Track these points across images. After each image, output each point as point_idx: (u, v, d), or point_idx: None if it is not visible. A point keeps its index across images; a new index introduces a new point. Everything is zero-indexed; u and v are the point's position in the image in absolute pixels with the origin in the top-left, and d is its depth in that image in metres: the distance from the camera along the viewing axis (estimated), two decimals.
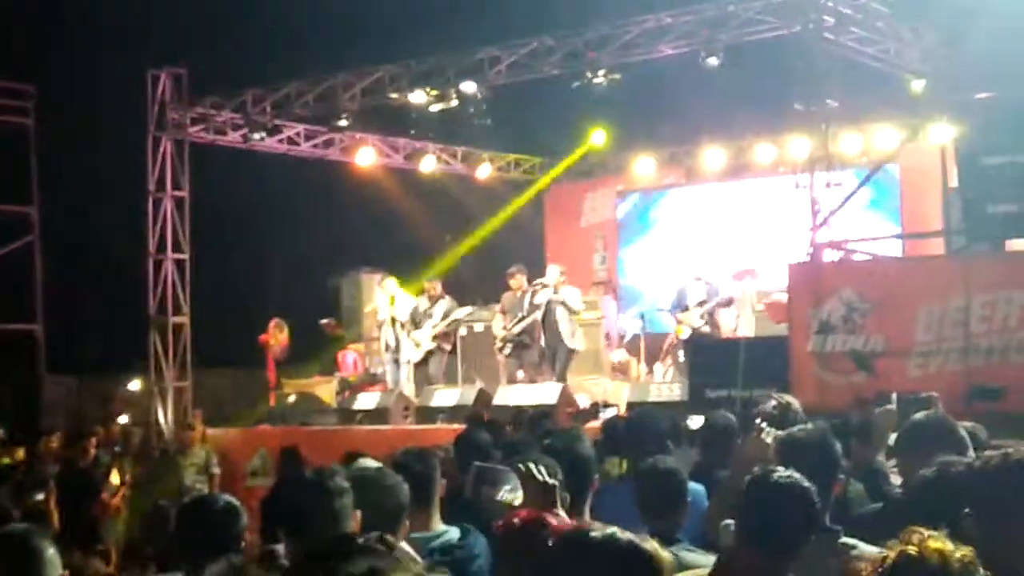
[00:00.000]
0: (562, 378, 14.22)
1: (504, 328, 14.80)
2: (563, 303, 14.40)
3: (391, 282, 15.78)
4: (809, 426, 4.96)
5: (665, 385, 13.79)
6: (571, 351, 14.48)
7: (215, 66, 17.87)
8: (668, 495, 4.80)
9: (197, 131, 17.70)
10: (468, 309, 15.52)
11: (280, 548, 4.32)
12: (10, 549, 3.70)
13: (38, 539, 3.73)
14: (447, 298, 15.38)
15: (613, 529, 2.71)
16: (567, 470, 4.94)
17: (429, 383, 15.05)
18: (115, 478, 11.14)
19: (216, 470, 13.00)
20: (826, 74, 13.03)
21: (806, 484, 3.90)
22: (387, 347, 15.70)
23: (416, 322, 15.24)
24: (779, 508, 3.78)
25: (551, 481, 3.91)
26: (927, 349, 10.86)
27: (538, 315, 14.47)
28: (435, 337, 15.20)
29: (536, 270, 15.22)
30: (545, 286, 14.51)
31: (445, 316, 15.23)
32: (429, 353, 15.24)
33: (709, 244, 18.05)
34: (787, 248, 14.43)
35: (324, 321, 17.28)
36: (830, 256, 12.57)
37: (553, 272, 14.74)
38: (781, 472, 3.95)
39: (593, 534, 2.70)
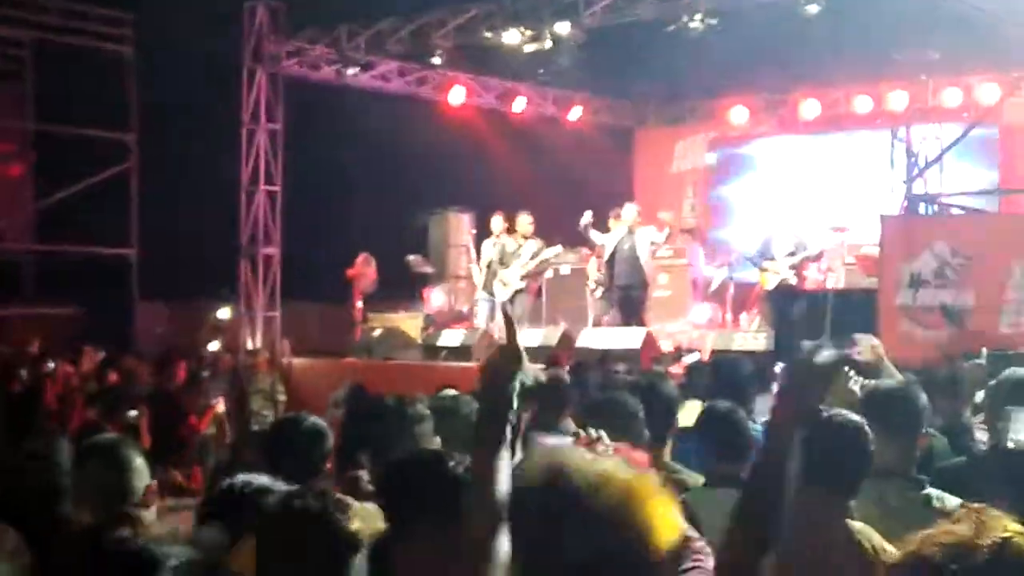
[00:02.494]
0: (639, 321, 14.19)
1: (598, 270, 14.82)
2: (638, 243, 14.32)
3: (496, 221, 15.74)
4: (898, 377, 4.93)
5: (750, 334, 13.72)
6: (647, 294, 14.44)
7: (312, 0, 17.93)
8: (732, 438, 4.78)
9: (292, 64, 17.84)
10: (558, 248, 15.50)
11: (363, 473, 4.41)
12: (102, 455, 3.86)
13: (128, 448, 3.88)
14: (536, 239, 15.40)
15: None
16: (649, 409, 4.97)
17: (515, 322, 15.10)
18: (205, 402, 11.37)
19: (282, 396, 13.21)
20: (928, 24, 12.75)
21: (860, 423, 3.90)
22: (475, 285, 15.82)
23: (504, 261, 15.30)
24: (834, 446, 3.79)
25: (595, 436, 3.92)
26: (1019, 306, 10.68)
27: (615, 255, 14.45)
28: (523, 277, 15.27)
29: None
30: (621, 227, 14.46)
31: (534, 256, 15.27)
32: (516, 293, 15.31)
33: (801, 195, 17.88)
34: (880, 201, 14.23)
35: (411, 257, 17.38)
36: (924, 210, 12.38)
37: (630, 211, 14.63)
38: (837, 412, 3.97)
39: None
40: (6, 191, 19.02)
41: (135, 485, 3.84)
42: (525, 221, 15.51)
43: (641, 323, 14.12)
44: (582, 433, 3.97)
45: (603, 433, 3.93)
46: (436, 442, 4.19)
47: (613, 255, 14.39)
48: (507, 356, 2.55)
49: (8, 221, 18.83)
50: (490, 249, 15.50)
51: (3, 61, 18.36)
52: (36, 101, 18.84)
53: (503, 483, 2.23)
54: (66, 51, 18.43)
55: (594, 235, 14.57)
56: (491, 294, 15.47)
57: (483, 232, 16.00)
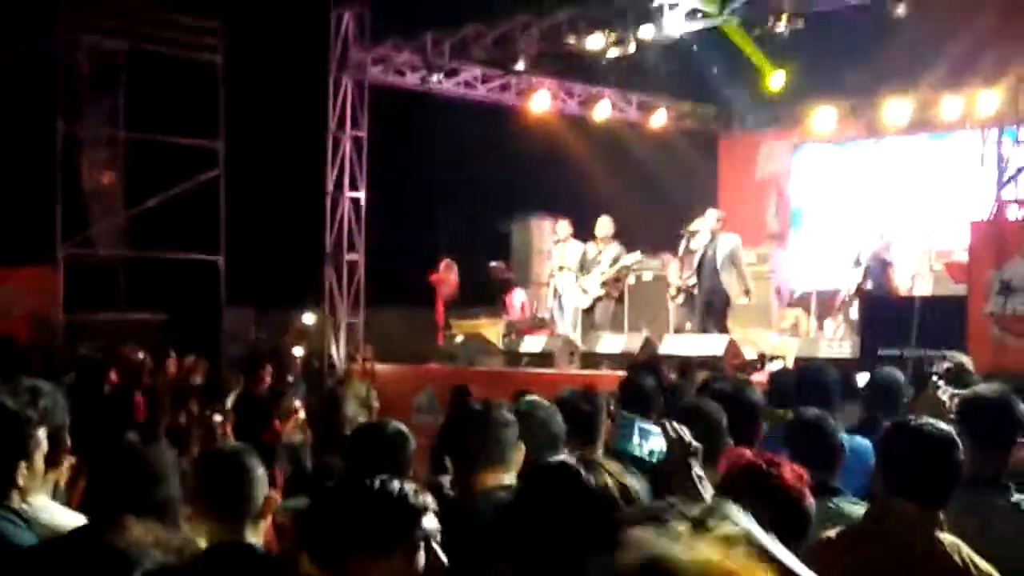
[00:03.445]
0: (721, 328, 14.10)
1: (680, 277, 14.76)
2: (719, 250, 14.24)
3: (564, 227, 15.83)
4: (993, 385, 4.85)
5: (835, 341, 13.56)
6: (729, 301, 14.33)
7: (396, 6, 18.08)
8: (819, 445, 4.71)
9: (377, 71, 18.00)
10: (637, 255, 15.48)
11: (446, 479, 4.43)
12: (226, 465, 3.89)
13: (250, 458, 3.91)
14: (616, 244, 15.38)
15: None
16: (734, 417, 4.94)
17: (595, 330, 15.11)
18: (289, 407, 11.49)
19: (375, 403, 13.31)
20: (1021, 26, 12.52)
21: (947, 431, 3.83)
22: (555, 292, 15.83)
23: (584, 268, 15.29)
24: (923, 457, 3.73)
25: (687, 439, 3.88)
26: None
27: (694, 262, 14.38)
28: (603, 284, 15.25)
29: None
30: (702, 232, 14.39)
31: (614, 262, 15.25)
32: (597, 300, 15.30)
33: (888, 200, 17.63)
34: (970, 206, 13.99)
35: (493, 264, 17.43)
36: (1015, 215, 12.14)
37: (711, 217, 14.54)
38: (925, 421, 3.90)
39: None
40: (99, 198, 19.41)
41: (256, 495, 3.86)
42: (605, 225, 15.46)
43: (723, 331, 14.02)
44: (667, 426, 3.99)
45: (687, 434, 3.93)
46: (522, 448, 4.19)
47: (700, 261, 14.34)
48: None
49: (101, 228, 19.22)
50: (568, 254, 15.50)
51: (98, 71, 18.72)
52: (128, 110, 19.20)
53: None
54: (157, 60, 18.77)
55: (689, 243, 14.53)
56: (560, 300, 15.53)
57: (566, 237, 15.98)
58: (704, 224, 14.48)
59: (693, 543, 1.79)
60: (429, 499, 2.94)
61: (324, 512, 2.89)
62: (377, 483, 2.90)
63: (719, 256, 14.23)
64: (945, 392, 5.40)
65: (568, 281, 15.49)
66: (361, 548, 2.78)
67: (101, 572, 2.38)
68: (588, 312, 15.40)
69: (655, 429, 4.06)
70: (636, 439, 5.14)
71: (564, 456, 3.20)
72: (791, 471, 3.53)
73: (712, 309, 14.30)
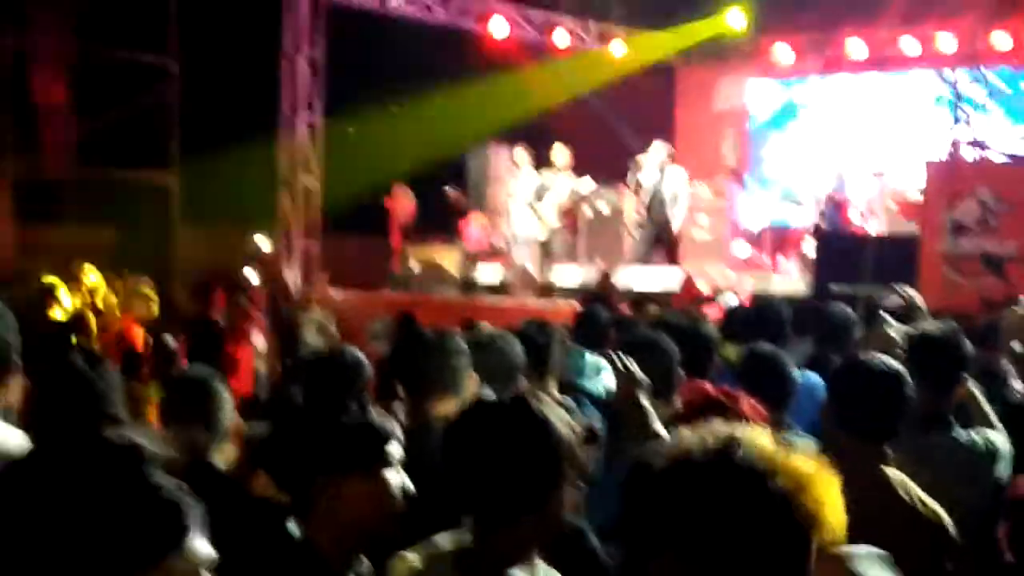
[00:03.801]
0: (671, 261, 14.23)
1: (635, 209, 14.82)
2: (667, 183, 14.31)
3: (520, 154, 15.69)
4: (941, 324, 4.92)
5: (789, 277, 13.67)
6: (677, 234, 14.43)
7: None
8: (772, 380, 4.73)
9: None
10: (591, 184, 15.40)
11: (398, 406, 4.44)
12: (193, 388, 3.99)
13: (217, 382, 4.00)
14: (572, 173, 15.32)
15: None
16: (688, 350, 4.98)
17: (552, 261, 15.11)
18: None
19: (334, 330, 13.26)
20: None
21: (896, 367, 3.88)
22: (512, 221, 15.78)
23: (539, 196, 15.25)
24: (871, 392, 3.77)
25: (636, 372, 3.91)
26: None
27: (644, 196, 14.44)
28: (559, 214, 15.23)
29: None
30: (649, 166, 14.44)
31: (571, 192, 15.22)
32: (553, 231, 15.28)
33: (844, 137, 17.70)
34: (925, 146, 14.08)
35: (448, 189, 17.34)
36: (970, 156, 12.24)
37: (659, 150, 14.55)
38: (873, 357, 3.94)
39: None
40: (48, 115, 19.08)
41: (223, 418, 3.93)
42: (561, 154, 15.38)
43: (673, 263, 14.13)
44: (615, 359, 4.01)
45: (636, 367, 3.95)
46: (475, 377, 4.21)
47: (650, 195, 14.38)
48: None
49: (50, 145, 18.91)
50: (524, 183, 15.42)
51: None
52: (79, 24, 18.83)
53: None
54: None
55: (638, 176, 14.56)
56: (516, 229, 15.49)
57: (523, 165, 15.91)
58: (652, 158, 14.50)
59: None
60: (395, 425, 2.97)
61: (291, 435, 2.90)
62: (345, 409, 2.93)
63: (666, 190, 14.29)
64: (895, 329, 5.46)
65: (524, 210, 15.43)
66: (331, 469, 2.81)
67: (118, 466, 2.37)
68: (545, 243, 15.38)
69: (607, 364, 4.09)
70: (589, 373, 5.19)
71: (521, 391, 3.21)
72: (749, 405, 3.56)
73: (661, 242, 14.38)
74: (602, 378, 5.34)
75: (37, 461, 1.64)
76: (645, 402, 3.83)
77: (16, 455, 1.64)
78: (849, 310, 6.82)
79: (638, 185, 14.56)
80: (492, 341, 4.67)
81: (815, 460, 1.82)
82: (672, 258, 14.46)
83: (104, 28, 18.31)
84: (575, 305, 9.90)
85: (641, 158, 14.63)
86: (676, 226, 14.42)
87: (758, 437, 1.81)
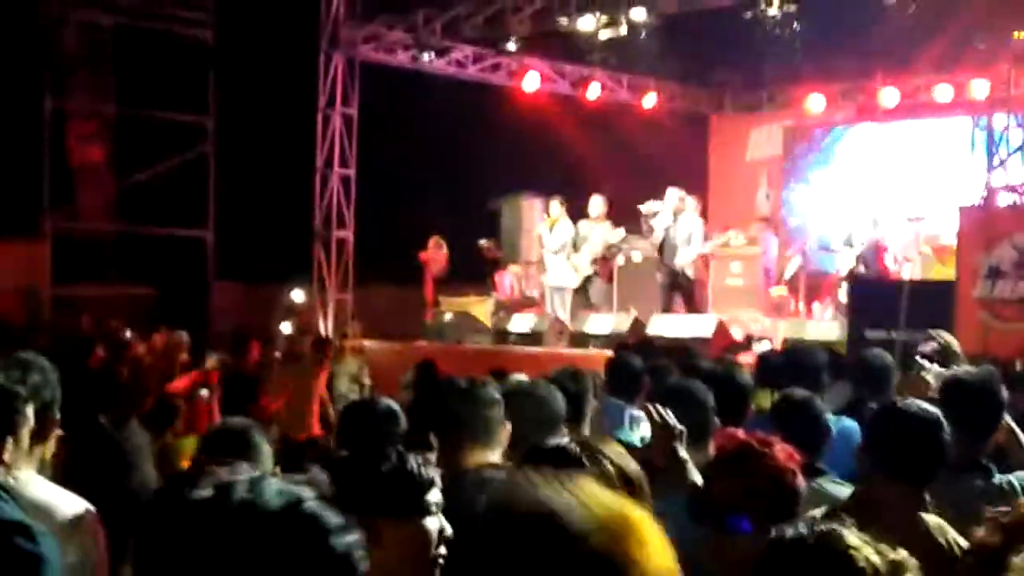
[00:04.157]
0: (690, 308, 14.25)
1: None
2: (679, 229, 14.36)
3: (556, 206, 15.76)
4: (975, 368, 4.87)
5: (823, 323, 13.60)
6: (691, 281, 14.44)
7: None
8: (805, 426, 4.68)
9: (368, 49, 17.94)
10: (621, 233, 15.44)
11: (432, 456, 4.43)
12: (232, 440, 3.92)
13: (257, 433, 3.95)
14: (608, 223, 15.37)
15: None
16: (722, 398, 4.95)
17: (585, 309, 15.12)
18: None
19: (367, 380, 13.28)
20: (1012, 10, 12.51)
21: (933, 412, 3.84)
22: (544, 271, 15.82)
23: (576, 247, 15.29)
24: (908, 437, 3.73)
25: (671, 421, 3.89)
26: None
27: (655, 241, 14.50)
28: (593, 262, 15.26)
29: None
30: (664, 212, 14.51)
31: (603, 242, 15.25)
32: (586, 279, 15.30)
33: (879, 184, 17.65)
34: (959, 191, 14.01)
35: (483, 242, 17.41)
36: (1005, 200, 12.17)
37: (671, 197, 14.60)
38: (911, 402, 3.90)
39: None
40: (88, 173, 19.35)
41: (263, 470, 3.90)
42: (597, 204, 15.45)
43: (692, 310, 14.18)
44: (651, 410, 4.00)
45: (672, 417, 3.94)
46: (507, 427, 4.19)
47: (663, 241, 14.46)
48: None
49: (90, 202, 19.16)
50: (559, 233, 15.46)
51: (86, 46, 18.65)
52: (117, 85, 19.14)
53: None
54: (147, 35, 18.71)
55: (653, 222, 14.63)
56: (549, 279, 15.54)
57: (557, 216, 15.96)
58: (666, 204, 14.56)
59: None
60: (435, 472, 2.98)
61: (336, 480, 2.90)
62: (387, 455, 2.93)
63: (679, 236, 14.34)
64: (929, 372, 5.41)
65: (558, 260, 15.47)
66: (370, 515, 2.81)
67: None
68: (579, 291, 15.40)
69: (643, 415, 4.08)
70: (627, 425, 5.16)
71: (564, 440, 3.20)
72: (783, 452, 3.53)
73: (678, 288, 14.42)
74: (640, 429, 5.32)
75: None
76: (682, 452, 3.81)
77: (70, 515, 1.66)
78: (886, 355, 6.77)
79: (650, 230, 14.65)
80: (532, 390, 4.65)
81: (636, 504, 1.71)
82: (691, 304, 14.47)
83: (142, 88, 18.59)
84: (608, 354, 9.87)
85: (644, 207, 14.71)
86: (688, 268, 14.46)
87: (593, 487, 1.70)
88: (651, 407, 4.00)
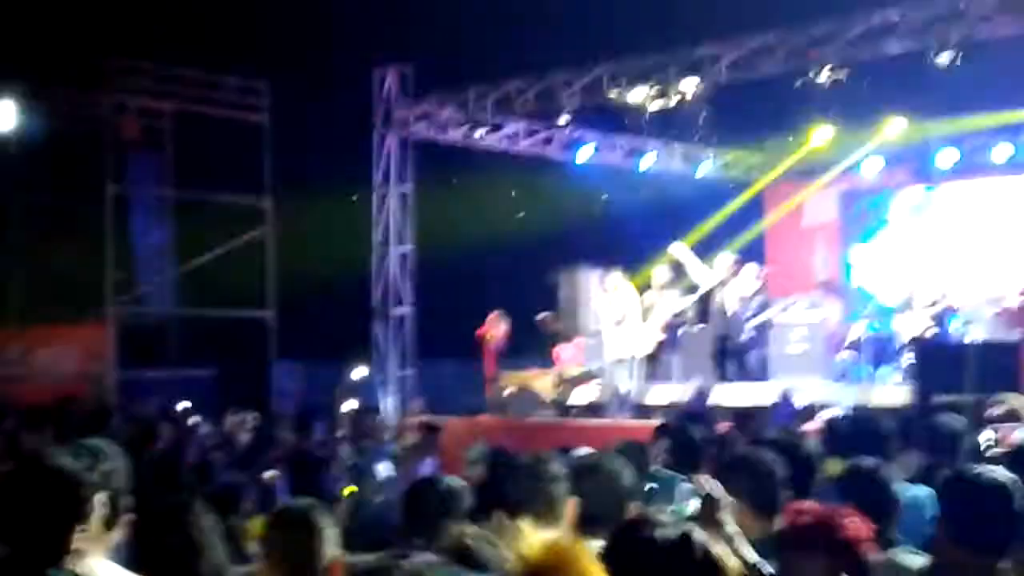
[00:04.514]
0: (742, 374, 14.16)
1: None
2: (727, 294, 14.34)
3: (616, 277, 15.73)
4: None
5: (890, 388, 13.43)
6: (746, 347, 14.36)
7: (439, 63, 18.25)
8: (874, 495, 4.63)
9: (420, 127, 18.13)
10: (687, 302, 15.42)
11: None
12: (294, 523, 3.98)
13: (319, 515, 3.97)
14: (673, 292, 15.35)
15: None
16: (790, 467, 4.88)
17: (648, 379, 15.05)
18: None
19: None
20: None
21: (1007, 480, 3.76)
22: (607, 343, 15.75)
23: (643, 317, 15.25)
24: (980, 505, 3.66)
25: (717, 493, 3.83)
26: None
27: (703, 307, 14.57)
28: (660, 331, 15.21)
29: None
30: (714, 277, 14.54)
31: (669, 311, 15.23)
32: (654, 349, 15.23)
33: (941, 244, 17.50)
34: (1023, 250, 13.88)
35: (542, 316, 17.41)
36: None
37: (722, 263, 14.58)
38: (982, 468, 3.83)
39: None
40: (149, 257, 19.65)
41: (323, 552, 3.92)
42: (663, 273, 15.45)
43: (744, 376, 14.12)
44: (698, 481, 3.95)
45: (719, 489, 3.87)
46: (572, 503, 4.17)
47: (709, 306, 14.51)
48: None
49: (152, 286, 19.42)
50: (622, 304, 15.43)
51: (145, 132, 19.01)
52: (176, 169, 19.47)
53: None
54: (205, 120, 19.05)
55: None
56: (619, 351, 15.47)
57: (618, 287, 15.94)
58: (717, 270, 14.56)
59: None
60: (493, 551, 2.97)
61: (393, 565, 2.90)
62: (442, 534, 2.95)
63: (728, 303, 14.32)
64: (987, 437, 5.33)
65: (619, 332, 15.41)
66: None
67: None
68: (640, 362, 15.33)
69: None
70: (679, 499, 5.07)
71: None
72: (856, 524, 3.48)
73: (728, 355, 14.35)
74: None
75: None
76: (729, 523, 3.74)
77: None
78: (956, 419, 6.67)
79: (671, 283, 14.68)
80: (596, 464, 4.62)
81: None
82: (743, 371, 14.39)
83: (201, 171, 18.90)
84: (670, 424, 9.80)
85: (673, 248, 14.69)
86: (743, 335, 14.41)
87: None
88: (697, 477, 3.97)
